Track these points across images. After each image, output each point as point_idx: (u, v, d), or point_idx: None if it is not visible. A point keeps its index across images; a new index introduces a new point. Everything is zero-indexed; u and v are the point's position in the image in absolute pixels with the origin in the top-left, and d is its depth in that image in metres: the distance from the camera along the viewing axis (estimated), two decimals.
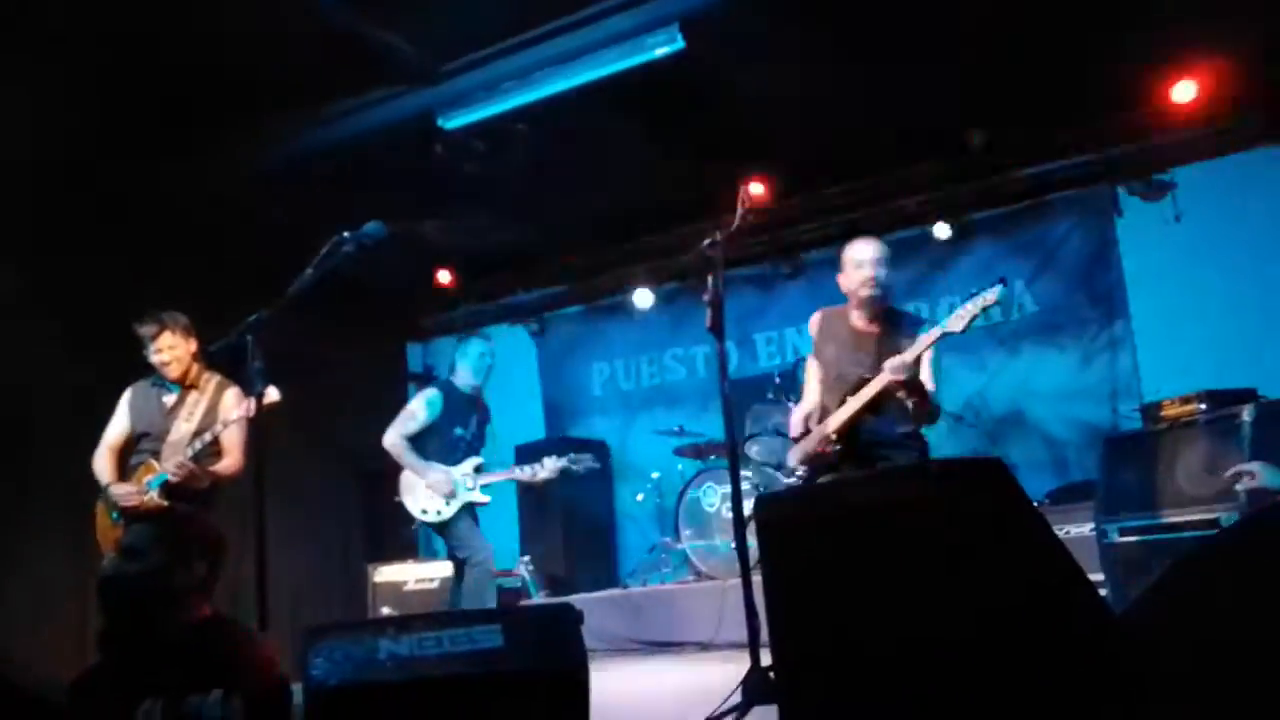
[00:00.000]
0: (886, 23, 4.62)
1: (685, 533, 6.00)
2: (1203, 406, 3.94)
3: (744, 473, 5.41)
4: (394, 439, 4.72)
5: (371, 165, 5.38)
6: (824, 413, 3.56)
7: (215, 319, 3.43)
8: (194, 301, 4.19)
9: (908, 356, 3.25)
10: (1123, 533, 3.92)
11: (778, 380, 6.17)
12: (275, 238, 5.00)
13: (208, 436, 3.88)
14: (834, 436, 3.44)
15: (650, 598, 5.86)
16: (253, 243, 5.52)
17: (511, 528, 7.08)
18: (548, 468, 4.68)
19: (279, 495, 3.08)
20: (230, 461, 3.96)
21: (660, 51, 4.41)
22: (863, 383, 3.42)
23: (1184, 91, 5.24)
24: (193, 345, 4.03)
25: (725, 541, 5.77)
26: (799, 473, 3.74)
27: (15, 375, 4.80)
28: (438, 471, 4.64)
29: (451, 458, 4.71)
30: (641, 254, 7.23)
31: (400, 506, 4.85)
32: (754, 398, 6.16)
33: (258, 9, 4.13)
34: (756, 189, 3.33)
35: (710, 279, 3.04)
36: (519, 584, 6.38)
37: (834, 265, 6.43)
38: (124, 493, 3.86)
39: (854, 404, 3.42)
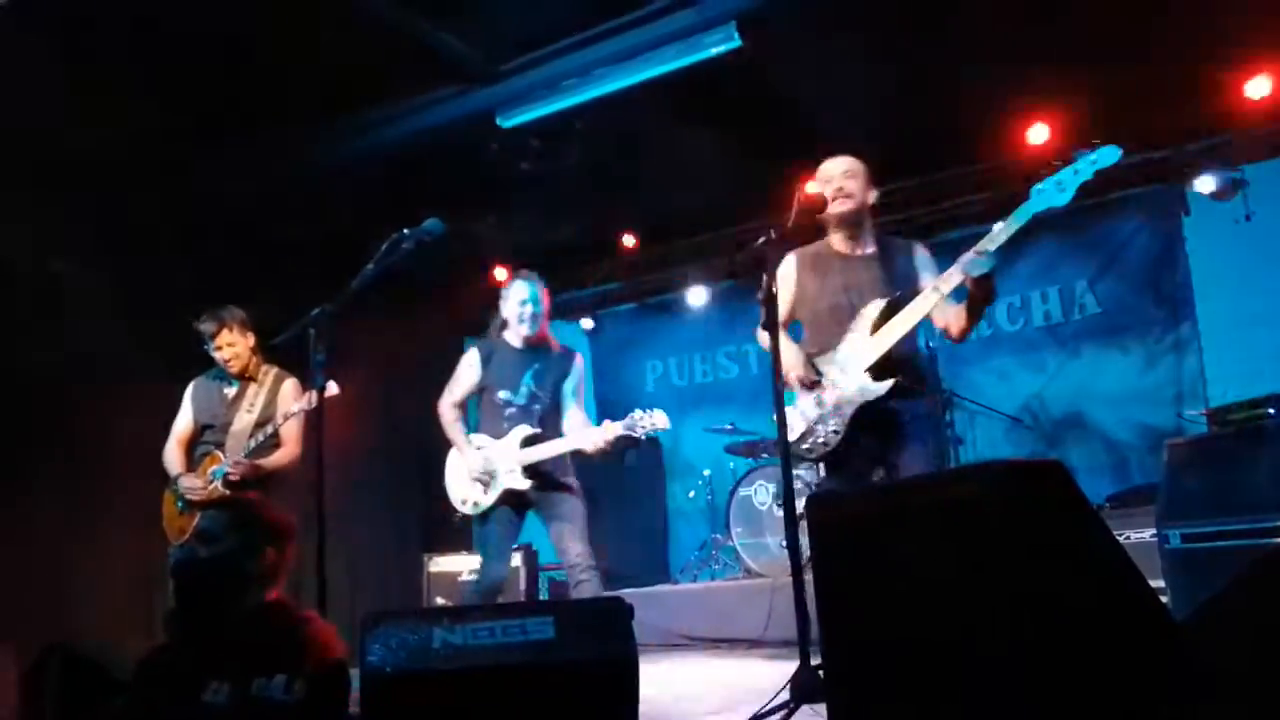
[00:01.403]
0: (943, 19, 4.56)
1: (736, 530, 6.01)
2: (1272, 411, 3.82)
3: (795, 471, 5.38)
4: (442, 406, 4.11)
5: (431, 163, 5.46)
6: (816, 359, 3.23)
7: (279, 314, 3.52)
8: (258, 297, 4.30)
9: (993, 241, 2.89)
10: (1185, 539, 3.82)
11: None
12: (338, 234, 5.11)
13: (269, 429, 3.99)
14: (868, 379, 3.06)
15: (700, 594, 5.88)
16: (316, 239, 5.64)
17: None
18: (607, 431, 3.79)
19: (339, 484, 3.15)
20: (286, 452, 4.05)
21: (717, 50, 4.41)
22: (890, 308, 3.07)
23: (1257, 87, 5.08)
24: (251, 339, 4.13)
25: (776, 539, 5.76)
26: (821, 432, 3.19)
27: (89, 369, 4.99)
28: (474, 452, 3.94)
29: (497, 429, 3.94)
30: (695, 252, 7.24)
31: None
32: None
33: (321, 10, 4.22)
34: (812, 187, 3.27)
35: (764, 276, 3.02)
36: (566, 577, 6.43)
37: None
38: (191, 485, 3.98)
39: (896, 332, 3.02)
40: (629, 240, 7.13)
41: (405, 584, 6.42)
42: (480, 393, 4.04)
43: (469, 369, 4.07)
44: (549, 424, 3.93)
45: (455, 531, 6.50)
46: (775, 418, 3.02)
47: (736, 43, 4.37)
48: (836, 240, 3.33)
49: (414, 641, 2.20)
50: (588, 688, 2.24)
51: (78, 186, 4.88)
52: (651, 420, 3.73)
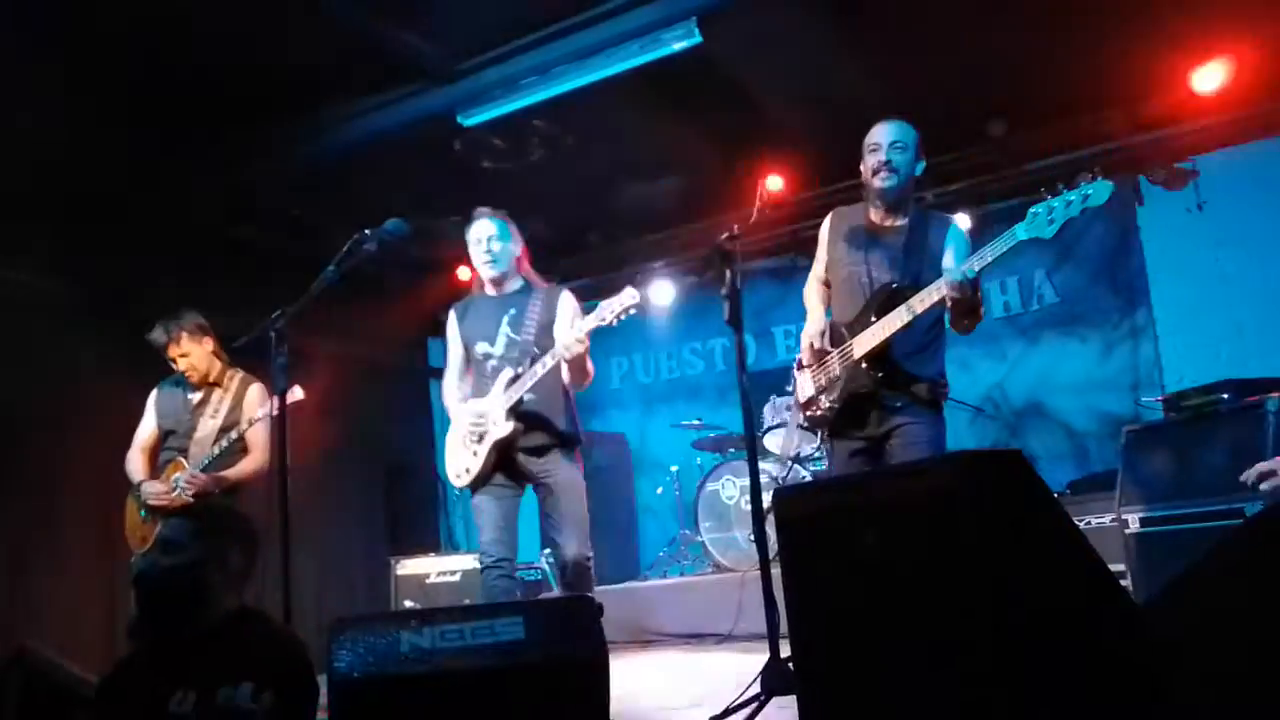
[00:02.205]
0: (903, 13, 4.60)
1: (704, 525, 6.03)
2: (1226, 396, 3.91)
3: (762, 465, 5.41)
4: (445, 386, 3.71)
5: (392, 163, 5.42)
6: (835, 333, 3.18)
7: (242, 317, 3.47)
8: (220, 299, 4.24)
9: (975, 263, 2.82)
10: (1144, 523, 3.90)
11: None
12: (300, 235, 5.06)
13: (233, 434, 3.92)
14: (864, 366, 3.06)
15: (670, 590, 5.89)
16: (278, 240, 5.58)
17: (533, 520, 7.11)
18: (578, 330, 3.32)
19: (304, 487, 3.12)
20: (253, 460, 3.98)
21: (678, 45, 4.41)
22: (895, 294, 3.02)
23: (1206, 79, 5.17)
24: (208, 344, 4.04)
25: (744, 534, 5.79)
26: (823, 403, 3.18)
27: (45, 375, 4.89)
28: (463, 410, 3.54)
29: (484, 389, 3.51)
30: (660, 248, 7.25)
31: (424, 499, 4.69)
32: (772, 390, 6.17)
33: (275, 13, 4.17)
34: (774, 183, 3.30)
35: (728, 273, 3.04)
36: (539, 576, 6.42)
37: None
38: (154, 490, 3.91)
39: (896, 322, 2.96)
40: (594, 237, 7.13)
41: (372, 587, 6.38)
42: (467, 355, 3.64)
43: (451, 334, 3.68)
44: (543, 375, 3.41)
45: (425, 539, 6.49)
46: (742, 412, 3.04)
47: (697, 39, 4.37)
48: (872, 209, 3.25)
49: (382, 646, 2.18)
50: (558, 687, 2.24)
51: (35, 192, 4.79)
52: (621, 302, 3.30)
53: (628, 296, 3.30)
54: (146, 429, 4.10)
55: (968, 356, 6.48)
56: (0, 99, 4.25)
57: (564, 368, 3.45)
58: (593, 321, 3.31)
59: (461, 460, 3.52)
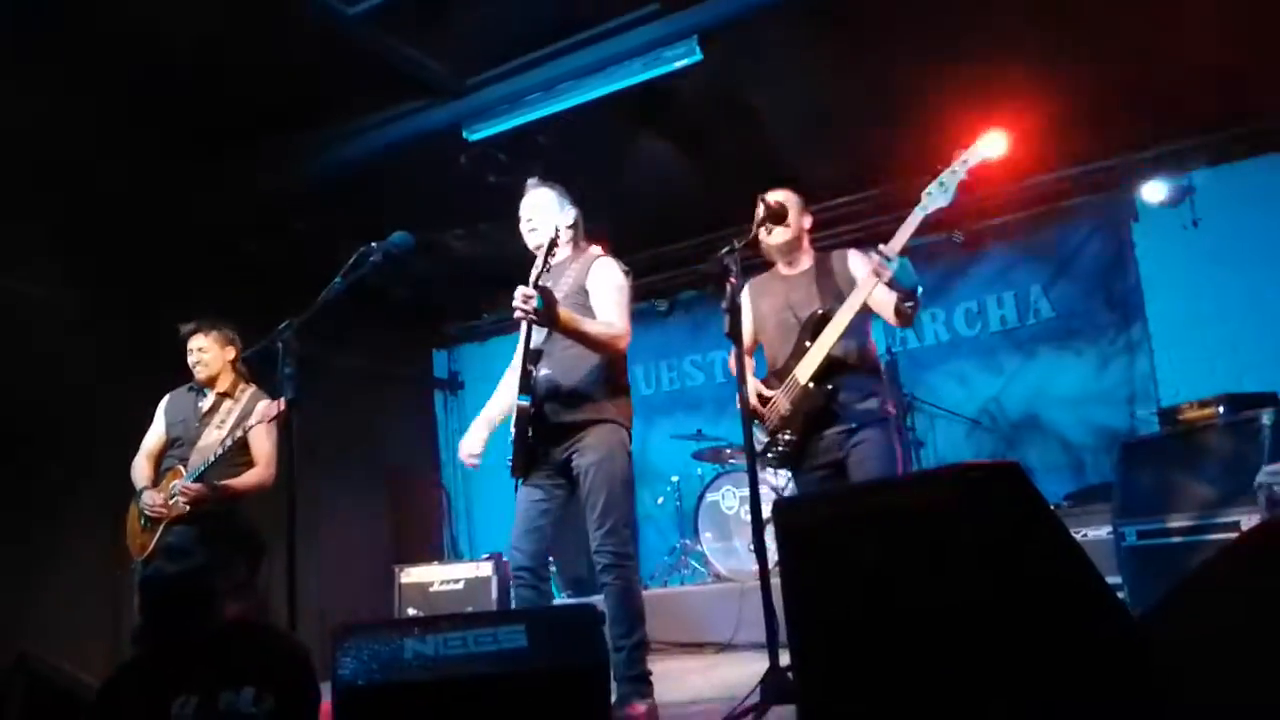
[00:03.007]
0: (899, 32, 4.65)
1: (704, 535, 6.05)
2: (1221, 410, 3.93)
3: (761, 476, 5.44)
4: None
5: (399, 177, 5.47)
6: (771, 381, 3.39)
7: (248, 329, 3.51)
8: (229, 312, 4.28)
9: (895, 243, 3.04)
10: (1140, 535, 3.92)
11: None
12: (307, 248, 5.09)
13: (228, 443, 3.90)
14: (812, 386, 3.23)
15: (670, 599, 5.91)
16: (286, 253, 5.61)
17: None
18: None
19: (308, 496, 3.14)
20: (256, 474, 3.97)
21: (679, 63, 4.47)
22: (823, 318, 3.26)
23: (1200, 95, 5.21)
24: (229, 353, 4.10)
25: (744, 544, 5.81)
26: (782, 440, 3.33)
27: (52, 382, 4.92)
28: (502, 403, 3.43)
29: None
30: (661, 262, 7.29)
31: (427, 507, 4.66)
32: None
33: (290, 27, 4.22)
34: (773, 198, 3.34)
35: (728, 286, 3.08)
36: None
37: None
38: (151, 501, 3.89)
39: (830, 336, 3.19)
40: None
41: (376, 595, 6.39)
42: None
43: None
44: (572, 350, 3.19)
45: (429, 547, 6.51)
46: (742, 423, 3.07)
47: (698, 56, 4.43)
48: (779, 265, 3.57)
49: (385, 653, 2.19)
50: (560, 696, 2.26)
51: (43, 205, 4.83)
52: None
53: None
54: (154, 434, 4.12)
55: (965, 370, 6.53)
56: (15, 113, 4.31)
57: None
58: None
59: (511, 453, 3.27)
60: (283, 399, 3.23)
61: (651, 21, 4.41)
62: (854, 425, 3.27)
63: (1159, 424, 4.39)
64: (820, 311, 3.32)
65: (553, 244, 3.19)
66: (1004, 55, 4.79)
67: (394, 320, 7.12)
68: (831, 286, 3.38)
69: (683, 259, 7.07)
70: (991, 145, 3.09)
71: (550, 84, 4.72)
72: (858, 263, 3.41)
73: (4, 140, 4.38)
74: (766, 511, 2.82)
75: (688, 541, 6.44)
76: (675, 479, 6.88)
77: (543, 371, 3.21)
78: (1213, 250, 5.61)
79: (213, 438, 3.97)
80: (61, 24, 3.98)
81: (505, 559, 6.06)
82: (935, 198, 3.14)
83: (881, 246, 3.10)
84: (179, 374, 4.14)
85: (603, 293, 3.32)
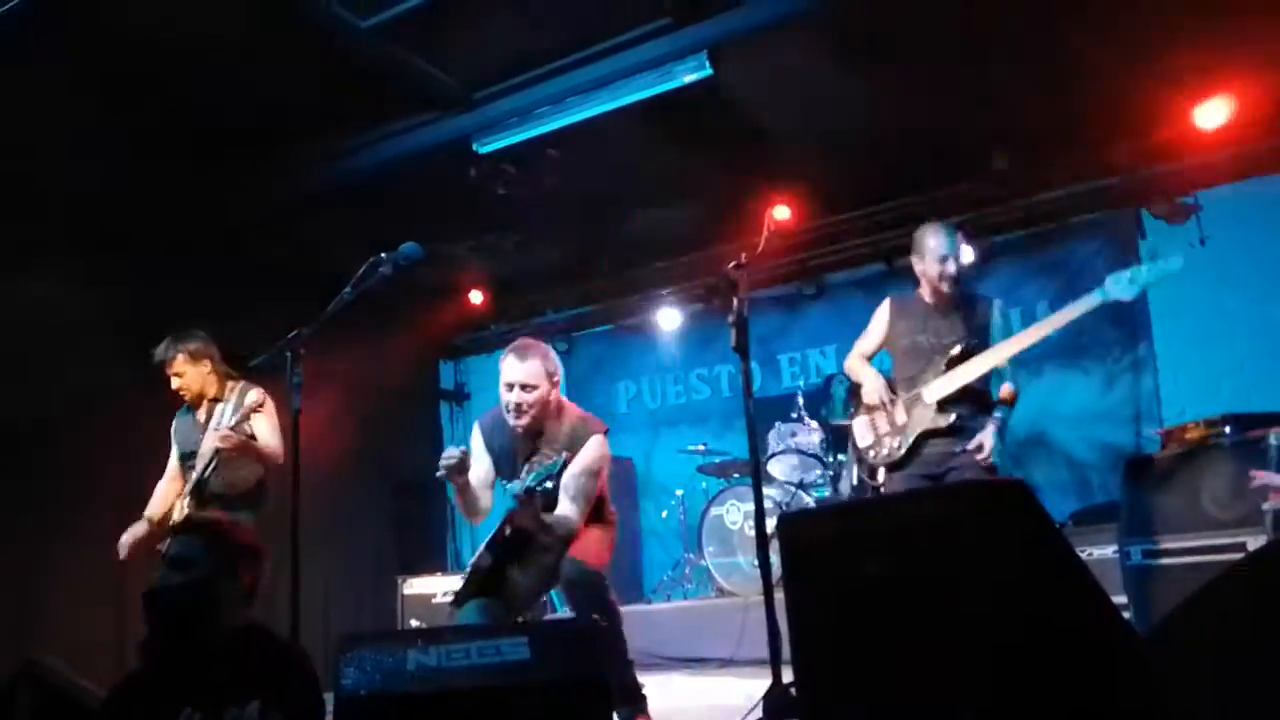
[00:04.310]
0: (910, 47, 4.67)
1: (708, 549, 6.03)
2: (1228, 430, 3.92)
3: (766, 491, 5.43)
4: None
5: (409, 189, 5.50)
6: (894, 388, 3.78)
7: (257, 337, 3.52)
8: (237, 320, 4.30)
9: (1058, 321, 3.62)
10: (1146, 555, 3.90)
11: (801, 400, 6.22)
12: (317, 259, 5.11)
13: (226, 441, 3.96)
14: (937, 408, 3.62)
15: (673, 614, 5.89)
16: (295, 263, 5.64)
17: None
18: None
19: (313, 507, 3.15)
20: (269, 444, 4.04)
21: (689, 78, 4.49)
22: (965, 353, 3.64)
23: (1209, 115, 5.21)
24: (205, 365, 4.11)
25: (748, 558, 5.79)
26: (889, 445, 3.73)
27: (59, 389, 4.94)
28: None
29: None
30: (668, 275, 7.31)
31: (431, 519, 4.66)
32: (777, 417, 6.21)
33: (297, 40, 4.26)
34: (781, 213, 3.37)
35: (735, 300, 3.09)
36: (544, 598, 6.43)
37: (857, 287, 6.48)
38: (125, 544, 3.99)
39: (966, 373, 3.61)
40: (602, 265, 7.19)
41: (379, 606, 6.39)
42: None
43: (476, 449, 3.47)
44: None
45: (433, 558, 6.50)
46: (748, 437, 3.07)
47: (708, 71, 4.45)
48: (926, 293, 3.85)
49: (388, 664, 2.19)
50: (562, 709, 2.25)
51: (58, 214, 4.87)
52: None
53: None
54: (171, 458, 4.22)
55: None
56: (21, 114, 4.35)
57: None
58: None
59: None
60: (292, 413, 3.23)
61: (661, 36, 4.43)
62: (957, 450, 3.60)
63: (1164, 443, 4.38)
64: (962, 347, 3.66)
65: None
66: (1012, 67, 4.80)
67: (402, 331, 7.14)
68: (973, 325, 3.73)
69: (691, 271, 7.10)
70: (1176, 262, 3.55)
71: (560, 97, 4.75)
72: (997, 320, 3.80)
73: (9, 141, 4.42)
74: (771, 526, 2.83)
75: (691, 556, 6.43)
76: (679, 493, 6.87)
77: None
78: (1220, 270, 5.58)
79: (211, 441, 4.02)
80: (79, 26, 4.02)
81: None
82: (1123, 287, 3.56)
83: (1043, 332, 3.65)
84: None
85: (577, 469, 3.21)
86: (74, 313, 5.09)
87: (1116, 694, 1.69)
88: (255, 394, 4.03)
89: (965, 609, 1.72)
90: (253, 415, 3.98)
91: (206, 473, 3.94)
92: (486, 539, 3.24)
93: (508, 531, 3.15)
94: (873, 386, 3.80)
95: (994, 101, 5.14)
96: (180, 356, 4.07)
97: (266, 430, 4.07)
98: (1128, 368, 6.03)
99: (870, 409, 3.84)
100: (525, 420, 3.25)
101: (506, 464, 3.37)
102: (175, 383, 4.09)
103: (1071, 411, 6.14)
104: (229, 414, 4.05)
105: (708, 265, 6.80)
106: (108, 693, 2.38)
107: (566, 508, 3.16)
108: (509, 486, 3.30)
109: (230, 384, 4.17)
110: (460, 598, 3.28)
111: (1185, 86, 5.09)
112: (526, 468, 3.26)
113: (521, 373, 3.23)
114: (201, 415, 4.14)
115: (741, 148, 5.47)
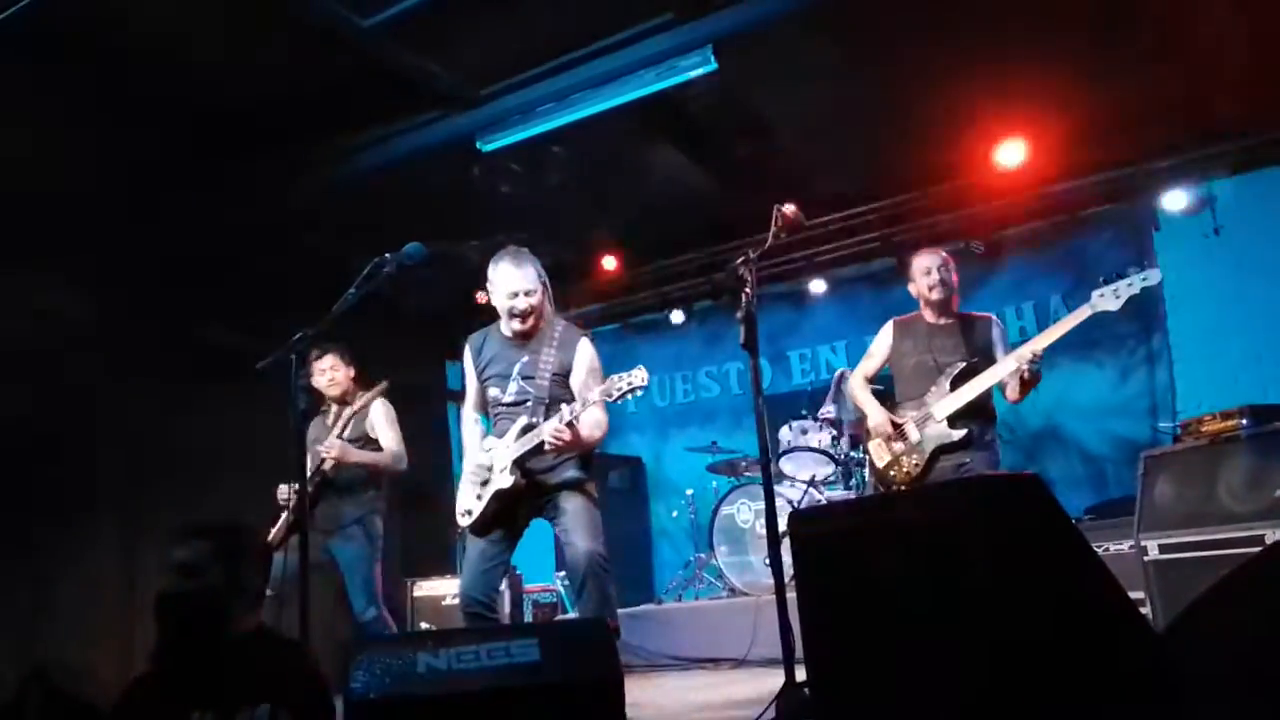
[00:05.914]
0: (915, 42, 4.64)
1: (719, 549, 6.01)
2: (1245, 421, 3.88)
3: (778, 489, 5.41)
4: (464, 415, 3.65)
5: (412, 187, 5.49)
6: (905, 407, 3.95)
7: (259, 337, 3.51)
8: (241, 319, 4.30)
9: (1040, 344, 3.68)
10: (1163, 549, 3.87)
11: (810, 397, 6.19)
12: (321, 259, 5.11)
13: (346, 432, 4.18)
14: (947, 424, 3.80)
15: (684, 613, 5.87)
16: (299, 264, 5.63)
17: (547, 542, 7.13)
18: (585, 401, 3.22)
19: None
20: (386, 448, 4.30)
21: (693, 73, 4.47)
22: (969, 370, 3.81)
23: (1223, 104, 5.16)
24: (353, 370, 4.39)
25: (759, 557, 5.77)
26: (906, 464, 3.89)
27: (74, 392, 4.95)
28: (476, 452, 3.47)
29: (503, 428, 3.40)
30: (676, 273, 7.29)
31: (440, 520, 4.73)
32: (787, 414, 6.18)
33: (299, 39, 4.25)
34: (790, 208, 3.31)
35: (743, 297, 3.06)
36: (554, 599, 6.42)
37: (867, 283, 6.46)
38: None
39: (972, 389, 3.77)
40: (610, 263, 7.17)
41: (389, 609, 6.37)
42: (482, 391, 3.58)
43: (467, 367, 3.62)
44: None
45: (441, 561, 6.48)
46: (757, 433, 3.05)
47: (713, 66, 4.42)
48: (927, 313, 4.04)
49: (398, 667, 2.18)
50: (573, 709, 2.24)
51: (66, 218, 4.87)
52: (629, 380, 3.13)
53: (637, 378, 3.16)
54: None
55: None
56: (23, 117, 4.36)
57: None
58: (596, 398, 3.19)
59: (466, 501, 3.44)
60: (293, 416, 3.21)
61: (666, 31, 4.41)
62: (966, 460, 3.81)
63: (1180, 435, 4.33)
64: (966, 364, 3.85)
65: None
66: (1021, 65, 4.76)
67: (407, 332, 7.13)
68: (975, 344, 3.92)
69: (699, 268, 7.07)
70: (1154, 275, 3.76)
71: (563, 94, 4.73)
72: (999, 337, 3.97)
73: (11, 143, 4.43)
74: (783, 525, 2.80)
75: (702, 555, 6.41)
76: (690, 492, 6.85)
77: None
78: (1235, 260, 5.53)
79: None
80: (80, 32, 4.03)
81: (518, 572, 6.05)
82: (1108, 301, 3.72)
83: (1036, 347, 3.68)
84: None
85: (583, 374, 3.41)
86: (74, 313, 5.09)
87: (1134, 688, 1.67)
88: (381, 405, 4.32)
89: (980, 605, 1.70)
90: (373, 423, 4.25)
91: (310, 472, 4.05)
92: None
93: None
94: (878, 421, 4.00)
95: (1004, 93, 5.09)
96: (335, 357, 4.30)
97: (382, 429, 4.30)
98: (1143, 360, 5.99)
99: (884, 433, 4.01)
100: (530, 323, 3.42)
101: (500, 368, 3.45)
102: (322, 380, 4.25)
103: (1086, 405, 6.10)
104: (353, 419, 4.25)
105: (716, 262, 6.78)
106: (117, 696, 2.38)
107: (596, 414, 3.32)
108: (502, 399, 3.42)
109: (360, 393, 4.35)
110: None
111: (1199, 75, 5.03)
112: (519, 369, 3.40)
113: (524, 278, 3.44)
114: (329, 418, 4.32)
115: (748, 142, 5.44)
